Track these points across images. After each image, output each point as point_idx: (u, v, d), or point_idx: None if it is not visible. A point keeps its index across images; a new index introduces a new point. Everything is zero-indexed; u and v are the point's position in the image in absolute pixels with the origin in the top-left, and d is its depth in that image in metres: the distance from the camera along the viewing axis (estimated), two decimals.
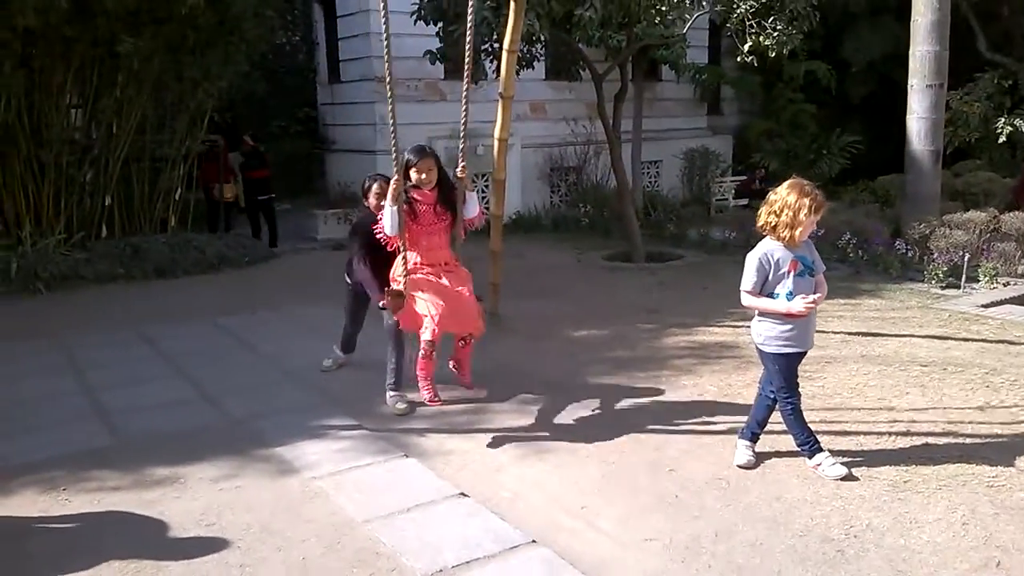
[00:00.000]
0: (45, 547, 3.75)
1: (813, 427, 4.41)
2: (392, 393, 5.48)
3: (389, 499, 4.12)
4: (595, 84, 11.05)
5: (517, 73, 7.33)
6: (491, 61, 10.71)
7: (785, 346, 4.22)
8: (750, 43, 11.62)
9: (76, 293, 9.27)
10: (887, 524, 3.75)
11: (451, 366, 5.57)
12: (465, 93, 5.39)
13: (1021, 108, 15.35)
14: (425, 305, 5.03)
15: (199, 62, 10.90)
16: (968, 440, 4.70)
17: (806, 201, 4.04)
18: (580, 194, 14.86)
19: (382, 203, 5.56)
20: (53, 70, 10.16)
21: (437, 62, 11.78)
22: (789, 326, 4.18)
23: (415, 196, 5.11)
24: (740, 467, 4.40)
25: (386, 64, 4.85)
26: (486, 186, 14.47)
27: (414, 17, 10.25)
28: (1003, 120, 15.11)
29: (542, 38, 10.19)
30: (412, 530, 3.82)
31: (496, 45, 10.20)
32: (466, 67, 5.43)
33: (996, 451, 4.51)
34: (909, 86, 10.53)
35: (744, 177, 16.48)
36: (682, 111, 17.30)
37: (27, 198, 10.32)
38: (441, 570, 3.47)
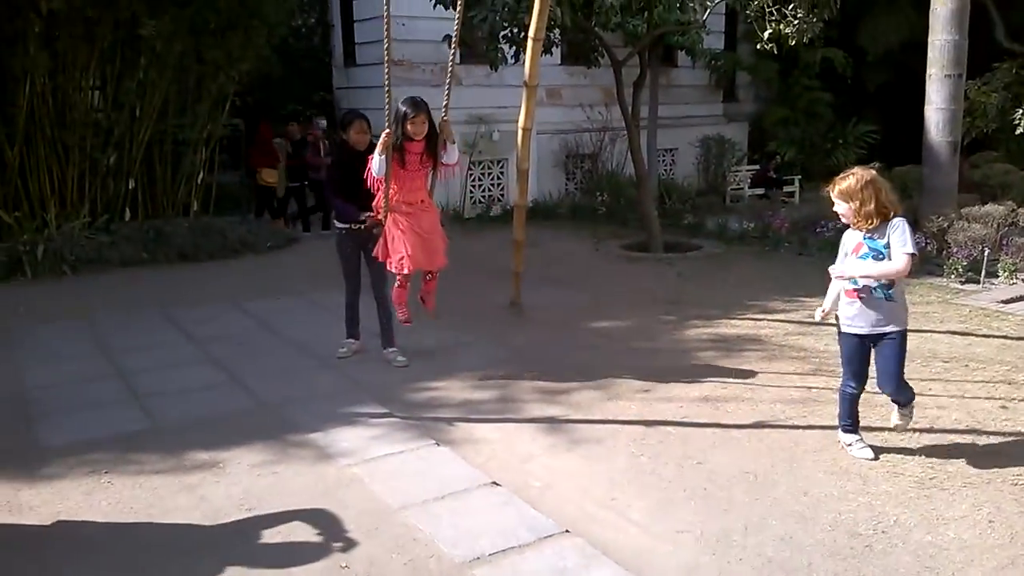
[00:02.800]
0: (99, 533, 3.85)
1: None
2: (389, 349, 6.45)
3: (423, 486, 4.21)
4: (614, 71, 11.06)
5: None
6: (510, 46, 10.74)
7: (847, 327, 4.42)
8: (770, 31, 11.62)
9: (102, 276, 9.38)
10: (914, 520, 3.82)
11: (419, 298, 6.05)
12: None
13: None
14: (401, 242, 5.62)
15: (221, 44, 10.94)
16: (991, 438, 4.76)
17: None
18: (596, 181, 14.81)
19: (363, 138, 6.31)
20: (76, 52, 10.22)
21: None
22: (853, 308, 4.36)
23: (406, 145, 5.62)
24: (867, 459, 4.44)
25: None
26: (501, 173, 14.50)
27: (433, 1, 10.26)
28: (1020, 111, 15.02)
29: (564, 24, 10.20)
30: (447, 517, 3.91)
31: (515, 30, 10.23)
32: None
33: (1019, 449, 4.57)
34: (927, 76, 10.45)
35: (758, 167, 16.43)
36: (697, 98, 17.19)
37: (51, 181, 10.37)
38: (479, 557, 3.55)
